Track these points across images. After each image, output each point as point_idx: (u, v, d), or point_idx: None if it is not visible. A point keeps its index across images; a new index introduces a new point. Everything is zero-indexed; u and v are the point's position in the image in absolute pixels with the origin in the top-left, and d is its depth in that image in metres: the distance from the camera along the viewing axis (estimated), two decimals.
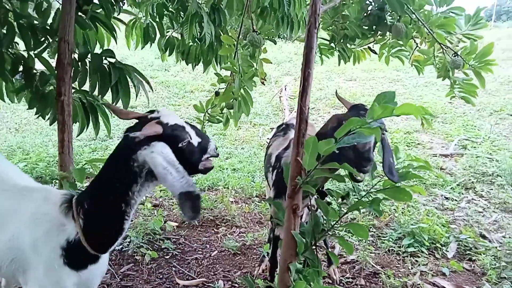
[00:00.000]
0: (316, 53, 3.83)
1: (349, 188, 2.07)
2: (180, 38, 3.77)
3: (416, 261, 3.39)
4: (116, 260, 3.42)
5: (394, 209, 4.25)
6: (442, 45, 2.89)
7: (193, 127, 1.75)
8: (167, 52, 3.82)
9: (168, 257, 3.49)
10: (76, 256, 1.70)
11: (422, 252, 3.48)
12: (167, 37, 3.72)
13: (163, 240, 3.66)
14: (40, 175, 4.83)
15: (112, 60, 2.63)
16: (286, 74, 11.17)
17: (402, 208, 4.21)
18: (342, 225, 1.97)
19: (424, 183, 4.97)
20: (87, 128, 2.84)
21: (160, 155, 1.52)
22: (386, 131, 2.15)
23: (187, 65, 3.98)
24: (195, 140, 1.70)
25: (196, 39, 3.61)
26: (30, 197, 1.81)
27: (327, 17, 3.07)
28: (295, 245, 1.84)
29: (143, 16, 3.65)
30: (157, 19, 3.58)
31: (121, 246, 3.52)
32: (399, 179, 1.90)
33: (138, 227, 3.71)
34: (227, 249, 3.58)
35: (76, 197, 1.73)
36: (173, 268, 3.34)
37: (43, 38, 2.56)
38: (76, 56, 2.53)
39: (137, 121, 1.71)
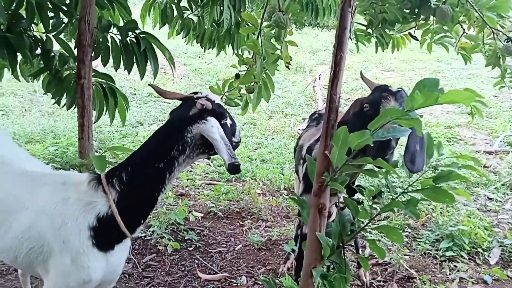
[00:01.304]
0: (351, 39, 3.60)
1: (382, 185, 1.88)
2: (196, 20, 3.67)
3: (455, 266, 3.13)
4: (139, 249, 3.36)
5: (432, 209, 3.97)
6: (493, 30, 2.59)
7: (226, 110, 1.85)
8: (182, 33, 3.74)
9: (191, 248, 3.39)
10: (105, 235, 1.66)
11: (462, 257, 3.22)
12: (184, 18, 3.62)
13: (187, 231, 3.57)
14: (69, 160, 4.85)
15: (137, 32, 2.52)
16: (321, 64, 10.83)
17: (441, 208, 3.93)
18: (373, 227, 1.77)
19: (465, 182, 4.64)
20: (105, 113, 2.75)
21: (216, 130, 1.66)
22: None
23: (202, 48, 3.88)
24: (229, 122, 1.81)
25: (214, 23, 3.51)
26: (43, 183, 1.74)
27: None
28: (320, 248, 1.66)
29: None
30: (176, 0, 3.47)
31: (144, 235, 3.45)
32: (420, 169, 1.73)
33: (162, 216, 3.63)
34: (251, 243, 3.44)
35: (106, 172, 1.71)
36: (196, 261, 3.23)
37: (61, 19, 2.47)
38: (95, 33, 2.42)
39: (180, 102, 1.82)
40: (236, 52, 3.69)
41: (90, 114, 2.38)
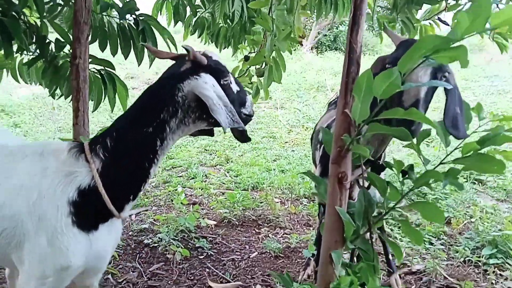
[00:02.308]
0: (373, 28, 3.33)
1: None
2: (211, 18, 3.51)
3: (501, 275, 2.72)
4: (146, 258, 3.09)
5: (470, 216, 3.58)
6: None
7: (231, 74, 1.63)
8: (196, 33, 3.58)
9: (202, 257, 3.10)
10: (88, 212, 1.42)
11: (508, 264, 2.81)
12: (197, 17, 3.47)
13: (198, 238, 3.28)
14: None
15: (136, 14, 2.36)
16: None
17: (480, 212, 3.52)
18: (405, 206, 1.45)
19: (505, 189, 4.22)
20: (103, 101, 2.56)
21: (211, 88, 1.43)
22: (449, 72, 1.63)
23: (217, 47, 3.71)
24: (235, 87, 1.59)
25: (227, 20, 3.34)
26: (20, 156, 1.49)
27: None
28: (341, 227, 1.36)
29: None
30: None
31: (151, 241, 3.19)
32: (465, 135, 1.41)
33: (172, 223, 3.37)
34: (268, 251, 3.12)
35: (90, 139, 1.50)
36: (207, 269, 2.93)
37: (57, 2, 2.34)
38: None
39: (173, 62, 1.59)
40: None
41: (85, 98, 2.18)
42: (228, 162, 5.31)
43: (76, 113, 2.16)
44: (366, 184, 1.51)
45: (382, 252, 2.64)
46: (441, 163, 1.41)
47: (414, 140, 1.46)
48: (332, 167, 1.36)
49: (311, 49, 20.23)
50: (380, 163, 1.74)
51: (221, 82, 1.50)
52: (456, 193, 4.04)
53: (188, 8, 3.47)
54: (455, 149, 1.45)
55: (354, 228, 1.40)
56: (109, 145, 1.43)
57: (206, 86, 1.42)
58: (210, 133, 1.74)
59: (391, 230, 3.30)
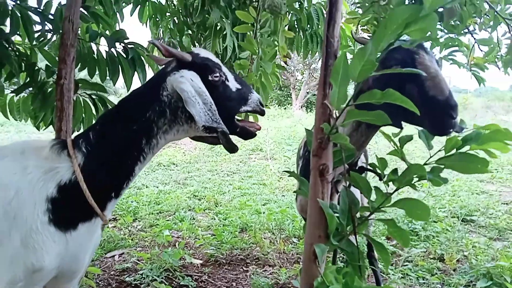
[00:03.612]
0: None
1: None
2: None
3: None
4: None
5: (462, 252, 3.49)
6: (509, 25, 2.40)
7: (233, 72, 1.60)
8: None
9: None
10: (66, 209, 1.34)
11: None
12: None
13: (183, 277, 3.14)
14: None
15: (125, 42, 2.43)
16: None
17: (473, 248, 3.45)
18: (391, 204, 1.41)
19: (497, 228, 4.17)
20: None
21: (188, 82, 1.38)
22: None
23: None
24: (233, 85, 1.52)
25: (219, 57, 3.45)
26: (2, 155, 1.41)
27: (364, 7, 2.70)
28: (324, 221, 1.31)
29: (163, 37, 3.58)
30: (178, 39, 3.43)
31: (133, 279, 3.04)
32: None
33: (156, 261, 3.24)
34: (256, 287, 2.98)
35: (74, 136, 1.46)
36: None
37: (46, 31, 2.42)
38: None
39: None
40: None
41: (69, 118, 2.17)
42: (217, 206, 5.22)
43: (59, 133, 2.15)
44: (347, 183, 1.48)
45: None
46: (425, 163, 1.40)
47: (419, 138, 1.47)
48: (313, 160, 1.34)
49: (301, 107, 20.79)
50: (363, 165, 1.71)
51: (210, 78, 1.45)
52: (447, 231, 3.98)
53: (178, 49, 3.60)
54: (439, 150, 1.44)
55: (338, 225, 1.36)
56: (92, 140, 1.39)
57: (182, 79, 1.38)
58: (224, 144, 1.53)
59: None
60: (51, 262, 1.32)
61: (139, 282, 3.02)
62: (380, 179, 1.38)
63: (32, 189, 1.32)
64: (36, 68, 2.50)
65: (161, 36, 3.61)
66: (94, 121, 2.53)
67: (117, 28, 2.93)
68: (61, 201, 1.33)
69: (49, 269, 1.33)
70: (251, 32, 2.31)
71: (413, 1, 2.57)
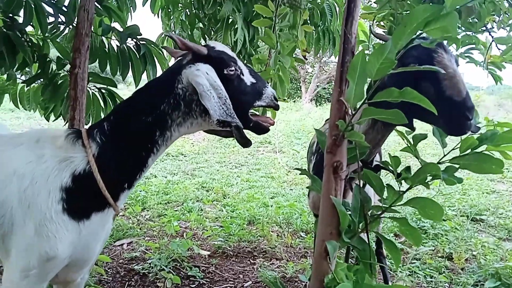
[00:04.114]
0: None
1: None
2: None
3: None
4: (136, 286, 2.96)
5: (471, 251, 3.47)
6: None
7: (248, 66, 1.57)
8: None
9: (194, 286, 2.97)
10: (80, 199, 1.37)
11: None
12: None
13: (191, 267, 3.16)
14: None
15: (138, 37, 2.42)
16: None
17: (482, 248, 3.42)
18: (403, 202, 1.40)
19: (507, 228, 4.14)
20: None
21: (204, 75, 1.39)
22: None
23: None
24: (248, 79, 1.51)
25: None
26: (15, 144, 1.44)
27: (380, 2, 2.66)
28: (336, 218, 1.31)
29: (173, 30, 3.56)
30: (189, 31, 3.42)
31: (141, 268, 3.06)
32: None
33: (164, 251, 3.27)
34: (263, 280, 3.00)
35: (89, 126, 1.49)
36: None
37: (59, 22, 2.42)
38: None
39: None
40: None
41: (82, 108, 2.19)
42: (225, 198, 5.24)
43: (72, 121, 2.17)
44: (361, 182, 1.48)
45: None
46: (438, 162, 1.38)
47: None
48: (327, 157, 1.34)
49: (310, 100, 20.70)
50: (378, 163, 1.70)
51: (225, 72, 1.45)
52: (456, 230, 3.96)
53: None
54: (453, 149, 1.42)
55: (350, 222, 1.35)
56: (106, 131, 1.40)
57: (198, 73, 1.38)
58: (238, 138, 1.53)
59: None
60: (64, 251, 1.34)
61: (147, 271, 3.04)
62: (396, 178, 1.37)
63: (47, 177, 1.35)
64: (48, 59, 2.51)
65: (173, 28, 3.60)
66: (102, 115, 2.56)
67: (129, 20, 2.93)
68: (75, 191, 1.35)
69: (62, 257, 1.35)
70: (268, 27, 2.29)
71: None
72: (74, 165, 1.36)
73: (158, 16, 3.68)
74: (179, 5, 3.56)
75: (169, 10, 3.57)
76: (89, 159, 1.36)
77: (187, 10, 3.41)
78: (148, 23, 4.62)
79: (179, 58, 1.51)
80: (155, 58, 2.58)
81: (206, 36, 3.57)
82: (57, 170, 1.36)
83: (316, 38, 3.61)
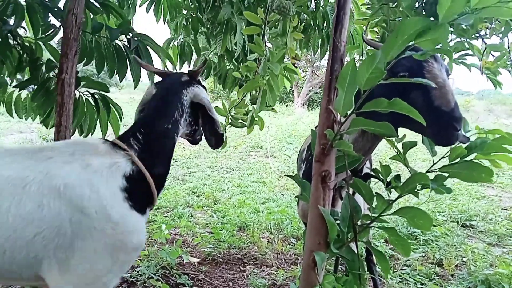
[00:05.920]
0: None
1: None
2: (217, 60, 3.55)
3: None
4: None
5: (461, 257, 3.47)
6: None
7: None
8: (204, 75, 3.60)
9: None
10: (137, 196, 1.53)
11: None
12: (202, 58, 3.51)
13: (180, 275, 3.11)
14: None
15: (131, 34, 2.39)
16: None
17: (472, 254, 3.43)
18: (392, 212, 1.39)
19: (496, 234, 4.15)
20: (94, 129, 2.54)
21: (207, 96, 1.81)
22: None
23: (224, 89, 3.72)
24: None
25: (234, 60, 3.38)
26: (47, 157, 1.45)
27: (373, 8, 2.65)
28: (324, 228, 1.29)
29: (179, 35, 3.52)
30: (193, 36, 3.39)
31: (129, 276, 3.01)
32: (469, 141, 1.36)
33: (153, 259, 3.22)
34: (253, 287, 2.96)
35: (119, 136, 1.67)
36: None
37: (52, 24, 2.38)
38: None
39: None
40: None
41: (69, 114, 2.15)
42: (215, 204, 5.21)
43: (58, 128, 2.13)
44: (351, 190, 1.46)
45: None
46: (428, 171, 1.37)
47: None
48: (316, 166, 1.32)
49: (303, 105, 20.73)
50: (368, 172, 1.68)
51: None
52: (447, 236, 3.96)
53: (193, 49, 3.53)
54: (443, 157, 1.41)
55: (339, 232, 1.34)
56: (140, 138, 1.61)
57: (205, 95, 1.79)
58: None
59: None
60: (144, 239, 1.54)
61: (135, 279, 3.00)
62: (386, 186, 1.35)
63: (106, 183, 1.45)
64: (40, 63, 2.46)
65: (179, 33, 3.55)
66: (95, 122, 2.52)
67: (132, 23, 2.88)
68: (131, 190, 1.50)
69: (143, 244, 1.54)
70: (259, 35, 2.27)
71: (423, 4, 2.54)
72: (122, 168, 1.51)
73: (164, 23, 3.63)
74: (184, 10, 3.51)
75: (174, 14, 3.52)
76: (135, 161, 1.54)
77: (192, 13, 3.36)
78: (158, 31, 4.65)
79: (172, 75, 1.85)
80: (150, 54, 2.53)
81: (211, 40, 3.53)
82: (110, 174, 1.47)
83: (320, 42, 3.56)
